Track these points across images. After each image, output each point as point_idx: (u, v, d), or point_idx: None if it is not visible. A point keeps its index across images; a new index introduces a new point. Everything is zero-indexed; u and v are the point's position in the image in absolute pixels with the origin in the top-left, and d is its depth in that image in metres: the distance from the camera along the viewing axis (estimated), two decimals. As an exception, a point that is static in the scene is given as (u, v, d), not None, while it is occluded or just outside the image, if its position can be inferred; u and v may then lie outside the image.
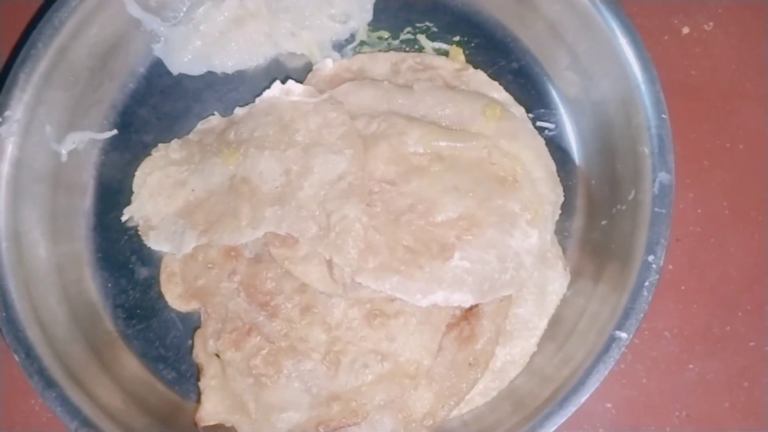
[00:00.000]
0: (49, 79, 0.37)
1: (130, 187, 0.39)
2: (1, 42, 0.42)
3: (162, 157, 0.39)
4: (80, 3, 0.37)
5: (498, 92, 0.40)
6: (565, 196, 0.37)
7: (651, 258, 0.31)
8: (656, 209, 0.32)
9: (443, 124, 0.38)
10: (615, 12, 0.35)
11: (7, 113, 0.36)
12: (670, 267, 0.38)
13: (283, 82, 0.39)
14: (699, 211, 0.39)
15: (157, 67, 0.42)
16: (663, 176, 0.32)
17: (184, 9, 0.41)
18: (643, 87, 0.34)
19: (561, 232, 0.38)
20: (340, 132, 0.36)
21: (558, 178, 0.37)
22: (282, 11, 0.42)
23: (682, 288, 0.38)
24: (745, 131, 0.40)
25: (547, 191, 0.36)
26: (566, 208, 0.38)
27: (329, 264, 0.34)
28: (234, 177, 0.37)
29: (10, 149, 0.36)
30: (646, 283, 0.31)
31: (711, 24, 0.42)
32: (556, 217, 0.36)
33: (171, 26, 0.41)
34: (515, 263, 0.34)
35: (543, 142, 0.37)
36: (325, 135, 0.36)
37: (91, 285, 0.39)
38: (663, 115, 0.33)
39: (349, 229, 0.34)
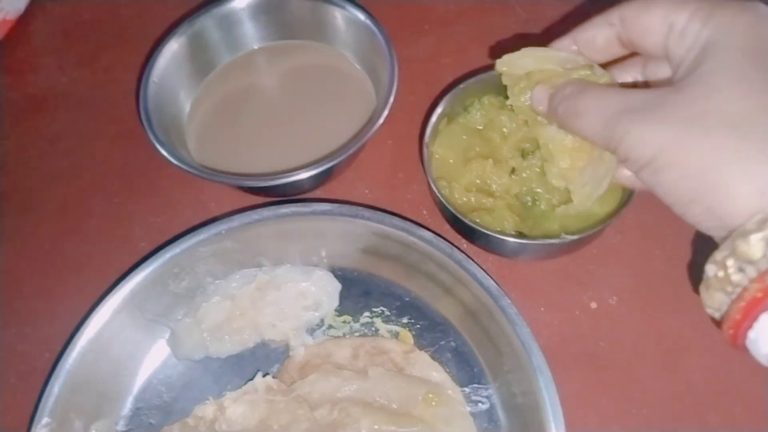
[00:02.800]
0: (78, 385, 0.47)
1: (142, 466, 0.48)
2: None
3: (166, 440, 0.48)
4: (106, 319, 0.48)
5: (438, 373, 0.49)
6: (495, 464, 0.45)
7: None
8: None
9: (392, 407, 0.46)
10: (518, 321, 0.44)
11: (44, 421, 0.45)
12: None
13: (265, 372, 0.49)
14: (612, 473, 0.46)
15: (165, 357, 0.52)
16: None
17: (186, 309, 0.52)
18: (545, 395, 0.42)
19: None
20: (305, 427, 0.45)
21: (485, 460, 0.45)
22: (265, 306, 0.52)
23: None
24: (647, 397, 0.48)
25: (474, 474, 0.43)
26: (498, 476, 0.45)
27: None
28: (222, 465, 0.45)
29: (45, 451, 0.45)
30: None
31: (615, 299, 0.51)
32: (483, 496, 0.44)
33: (177, 322, 0.52)
34: None
35: (473, 425, 0.46)
36: (293, 430, 0.45)
37: None
38: (560, 416, 0.41)
39: None
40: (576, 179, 0.43)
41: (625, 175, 0.41)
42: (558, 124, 0.41)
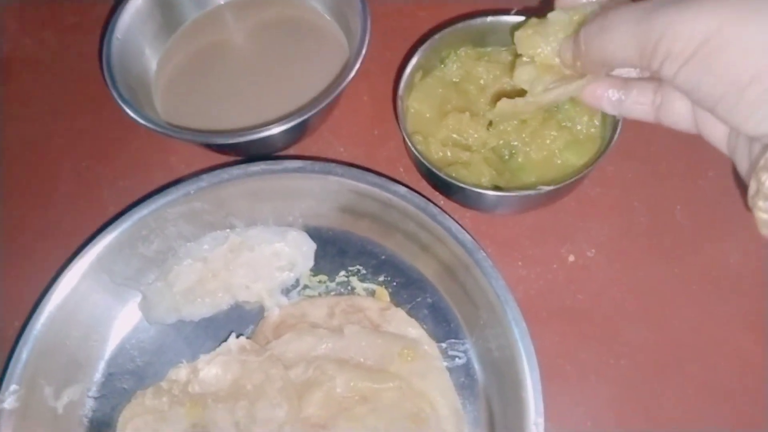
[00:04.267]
0: (47, 351, 0.46)
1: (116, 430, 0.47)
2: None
3: (139, 404, 0.47)
4: (74, 285, 0.47)
5: (414, 329, 0.48)
6: (472, 416, 0.45)
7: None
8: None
9: (368, 364, 0.46)
10: (493, 274, 0.43)
11: (12, 387, 0.44)
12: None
13: (239, 333, 0.48)
14: (589, 424, 0.45)
15: (137, 321, 0.51)
16: (536, 420, 0.40)
17: (158, 272, 0.51)
18: (520, 344, 0.41)
19: (471, 449, 0.45)
20: (278, 386, 0.44)
21: (462, 414, 0.44)
22: (238, 267, 0.51)
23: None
24: (627, 348, 0.47)
25: (451, 428, 0.43)
26: (474, 428, 0.45)
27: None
28: (195, 426, 0.45)
29: (13, 417, 0.44)
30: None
31: (593, 251, 0.51)
32: (460, 450, 0.43)
33: (148, 285, 0.51)
34: (425, 496, 0.41)
35: (449, 379, 0.45)
36: (267, 390, 0.44)
37: None
38: (535, 367, 0.40)
39: (285, 476, 0.41)
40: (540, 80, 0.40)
41: (595, 94, 0.38)
42: (584, 63, 0.37)
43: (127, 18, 0.54)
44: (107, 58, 0.52)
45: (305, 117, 0.49)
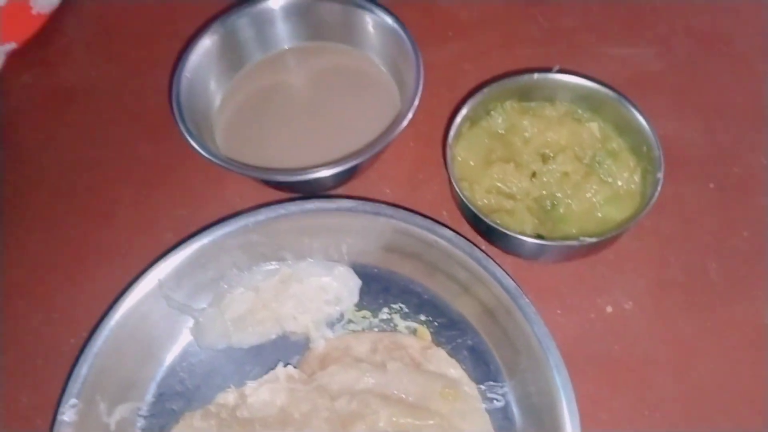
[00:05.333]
0: (105, 368, 0.48)
1: (165, 451, 0.49)
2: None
3: (188, 426, 0.49)
4: (133, 305, 0.50)
5: (455, 369, 0.50)
6: (509, 459, 0.46)
7: None
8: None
9: (410, 400, 0.48)
10: (536, 320, 0.45)
11: (72, 401, 0.47)
12: None
13: (286, 362, 0.50)
14: (622, 473, 0.47)
15: (188, 345, 0.53)
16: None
17: (211, 299, 0.53)
18: (561, 392, 0.43)
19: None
20: (324, 416, 0.46)
21: (499, 454, 0.46)
22: (287, 299, 0.53)
23: None
24: (660, 399, 0.49)
25: (489, 467, 0.44)
26: (511, 471, 0.46)
27: None
28: (243, 450, 0.46)
29: (71, 429, 0.46)
30: None
31: (630, 303, 0.52)
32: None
33: (201, 311, 0.53)
34: None
35: (488, 421, 0.47)
36: (313, 419, 0.46)
37: None
38: (576, 413, 0.42)
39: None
40: None
41: None
42: None
43: (195, 57, 0.58)
44: (176, 95, 0.55)
45: (358, 161, 0.52)
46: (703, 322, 0.51)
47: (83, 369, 0.47)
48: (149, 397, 0.51)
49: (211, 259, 0.52)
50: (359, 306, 0.53)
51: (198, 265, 0.51)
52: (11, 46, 0.68)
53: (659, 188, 0.49)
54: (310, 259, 0.55)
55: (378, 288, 0.54)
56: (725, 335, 0.51)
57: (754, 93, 0.61)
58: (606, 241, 0.49)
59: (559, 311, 0.52)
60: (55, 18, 0.72)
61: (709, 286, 0.52)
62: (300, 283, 0.53)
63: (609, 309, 0.52)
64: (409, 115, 0.53)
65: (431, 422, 0.45)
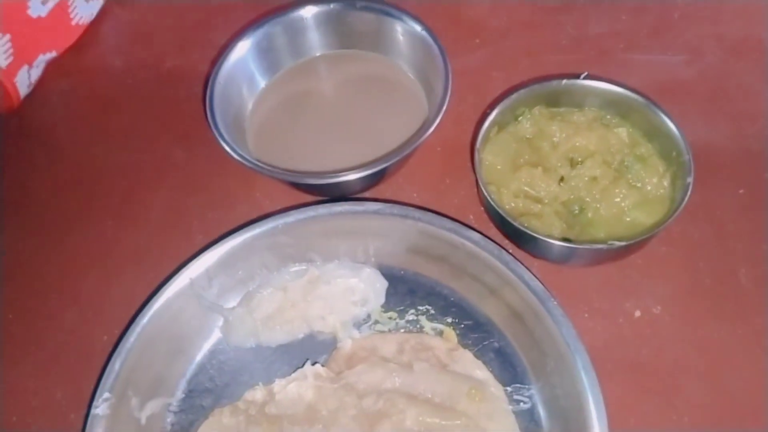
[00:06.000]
0: (137, 364, 0.49)
1: (194, 446, 0.50)
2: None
3: (217, 422, 0.49)
4: (165, 304, 0.51)
5: (481, 371, 0.50)
6: (536, 463, 0.46)
7: None
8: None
9: (436, 401, 0.48)
10: (564, 322, 0.45)
11: (105, 395, 0.48)
12: None
13: (314, 360, 0.51)
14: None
15: (218, 343, 0.54)
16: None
17: (241, 298, 0.54)
18: (588, 391, 0.43)
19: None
20: (352, 414, 0.46)
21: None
22: (315, 299, 0.54)
23: None
24: (689, 405, 0.48)
25: (515, 468, 0.44)
26: (538, 474, 0.46)
27: None
28: (270, 446, 0.47)
29: (104, 423, 0.47)
30: None
31: (659, 308, 0.52)
32: (524, 491, 0.44)
33: (231, 310, 0.54)
34: None
35: (515, 422, 0.47)
36: (341, 417, 0.46)
37: None
38: (603, 415, 0.42)
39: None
40: None
41: None
42: None
43: (229, 65, 0.59)
44: (210, 100, 0.57)
45: (386, 165, 0.53)
46: (733, 329, 0.50)
47: (116, 364, 0.48)
48: (179, 393, 0.52)
49: (241, 260, 0.53)
50: (386, 307, 0.54)
51: (228, 265, 0.52)
52: (51, 55, 0.71)
53: (689, 193, 0.49)
54: (337, 261, 0.55)
55: (404, 290, 0.54)
56: (755, 342, 0.50)
57: (785, 99, 0.61)
58: (635, 245, 0.49)
59: (586, 315, 0.52)
60: (93, 27, 0.74)
61: (739, 292, 0.52)
62: (328, 285, 0.54)
63: (637, 313, 0.52)
64: (437, 121, 0.54)
65: (458, 422, 0.46)
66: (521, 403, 0.48)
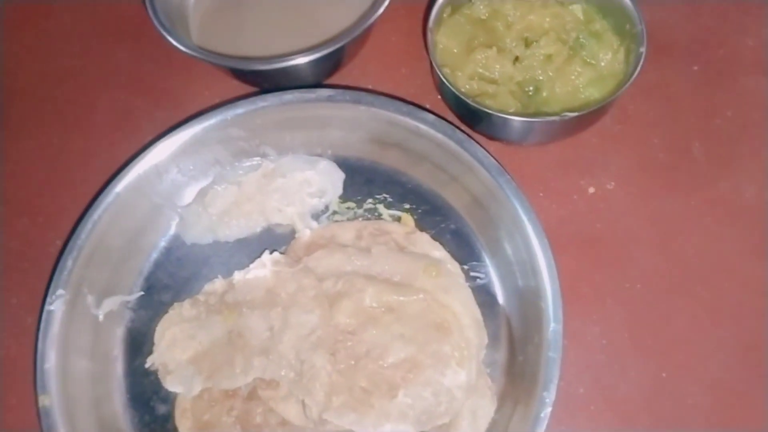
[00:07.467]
0: (90, 261, 0.48)
1: (153, 339, 0.50)
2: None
3: (177, 315, 0.49)
4: (115, 199, 0.50)
5: (439, 251, 0.50)
6: (492, 332, 0.47)
7: (545, 394, 0.41)
8: (550, 354, 0.41)
9: (395, 280, 0.48)
10: (517, 194, 0.45)
11: (59, 292, 0.47)
12: (581, 390, 0.47)
13: (272, 250, 0.51)
14: (604, 342, 0.48)
15: (174, 240, 0.53)
16: (555, 327, 0.42)
17: (195, 194, 0.53)
18: (540, 254, 0.44)
19: (491, 363, 0.47)
20: (311, 295, 0.46)
21: (483, 325, 0.47)
22: (271, 192, 0.53)
23: (592, 408, 0.47)
24: (641, 273, 0.49)
25: (473, 336, 0.45)
26: (494, 343, 0.47)
27: (303, 403, 0.44)
28: (231, 332, 0.47)
29: (59, 318, 0.47)
30: (542, 414, 0.40)
31: (612, 184, 0.53)
32: (482, 357, 0.46)
33: (185, 207, 0.53)
34: (448, 397, 0.43)
35: (471, 294, 0.47)
36: (300, 298, 0.46)
37: (122, 419, 0.49)
38: (555, 277, 0.43)
39: (317, 375, 0.44)
40: None
41: None
42: None
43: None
44: (148, -11, 0.53)
45: (336, 47, 0.51)
46: (686, 200, 0.51)
47: (68, 261, 0.48)
48: (137, 290, 0.51)
49: (192, 154, 0.52)
50: (344, 198, 0.53)
51: (178, 160, 0.51)
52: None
53: (641, 62, 0.48)
54: (292, 155, 0.54)
55: (362, 180, 0.54)
56: (708, 212, 0.51)
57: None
58: (588, 118, 0.48)
59: (542, 194, 0.52)
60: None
61: (692, 165, 0.53)
62: (283, 178, 0.53)
63: (591, 190, 0.52)
64: (386, 1, 0.52)
65: (415, 297, 0.46)
66: (478, 279, 0.49)
